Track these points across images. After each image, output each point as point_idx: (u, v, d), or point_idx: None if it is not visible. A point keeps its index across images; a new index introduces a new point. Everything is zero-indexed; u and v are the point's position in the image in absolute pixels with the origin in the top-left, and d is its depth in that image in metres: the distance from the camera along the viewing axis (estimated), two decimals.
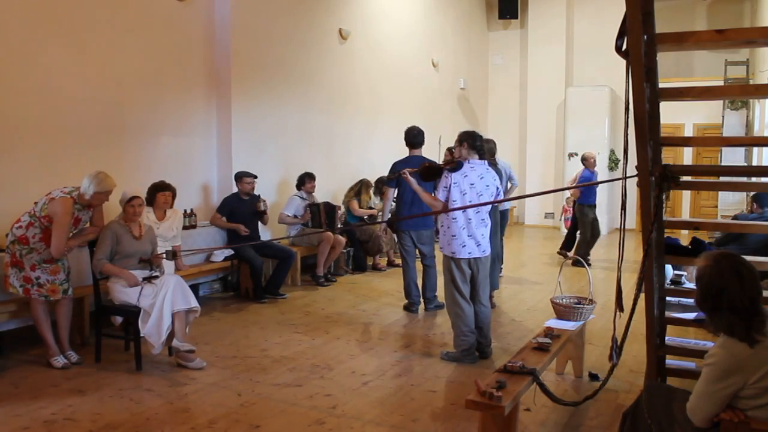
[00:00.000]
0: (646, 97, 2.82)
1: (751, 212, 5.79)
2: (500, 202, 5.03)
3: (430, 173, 4.78)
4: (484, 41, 14.55)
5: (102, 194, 4.42)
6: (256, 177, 6.83)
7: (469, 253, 4.58)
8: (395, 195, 6.48)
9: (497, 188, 4.73)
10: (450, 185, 4.55)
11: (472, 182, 4.57)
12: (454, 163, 4.60)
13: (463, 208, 4.50)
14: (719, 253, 2.47)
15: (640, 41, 2.65)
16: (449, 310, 4.72)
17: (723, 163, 10.88)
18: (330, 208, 7.69)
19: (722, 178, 4.03)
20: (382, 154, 10.06)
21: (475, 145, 4.67)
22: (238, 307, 6.35)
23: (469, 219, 4.57)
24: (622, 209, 3.36)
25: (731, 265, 2.35)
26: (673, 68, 12.18)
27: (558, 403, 3.30)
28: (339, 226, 7.79)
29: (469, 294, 4.67)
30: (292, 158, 8.10)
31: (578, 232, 9.05)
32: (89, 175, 4.40)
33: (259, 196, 6.88)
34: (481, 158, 4.71)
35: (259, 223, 6.93)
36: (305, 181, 7.59)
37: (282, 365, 4.56)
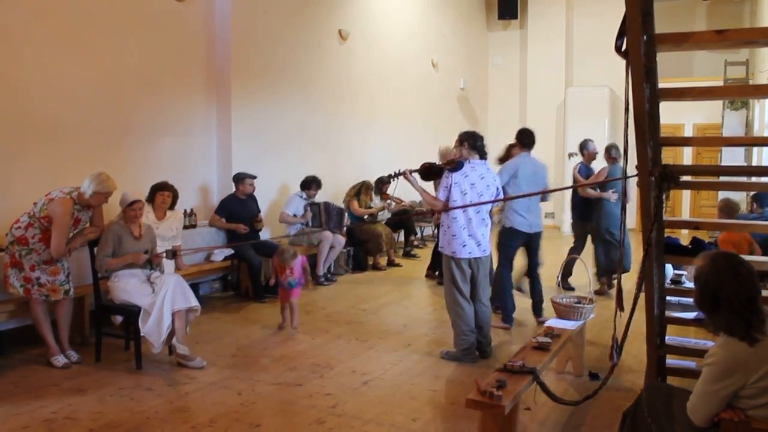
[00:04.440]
0: (646, 97, 2.83)
1: (751, 212, 5.79)
2: (500, 201, 5.03)
3: (431, 173, 4.79)
4: (484, 41, 14.55)
5: (101, 195, 4.42)
6: (255, 177, 6.83)
7: (470, 252, 4.59)
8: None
9: (497, 188, 4.74)
10: (451, 185, 4.55)
11: (473, 182, 4.58)
12: (454, 163, 4.61)
13: (464, 207, 4.51)
14: (716, 253, 2.47)
15: (639, 41, 2.65)
16: (449, 310, 4.73)
17: (723, 163, 10.88)
18: (336, 211, 7.69)
19: (722, 178, 4.03)
20: (382, 154, 10.08)
21: (475, 145, 4.68)
22: (238, 307, 6.36)
23: (470, 219, 4.57)
24: (622, 209, 3.37)
25: (728, 264, 2.35)
26: (673, 68, 12.17)
27: (558, 402, 3.31)
28: (345, 227, 7.80)
29: (469, 293, 4.67)
30: (291, 158, 8.10)
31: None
32: (91, 174, 4.40)
33: (259, 212, 6.91)
34: (481, 158, 4.72)
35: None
36: (311, 186, 7.56)
37: (282, 365, 4.57)
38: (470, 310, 4.63)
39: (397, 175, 4.83)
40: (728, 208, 5.41)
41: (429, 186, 5.44)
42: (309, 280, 5.77)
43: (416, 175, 4.82)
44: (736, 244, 4.98)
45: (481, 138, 4.77)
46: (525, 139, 5.82)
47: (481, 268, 4.69)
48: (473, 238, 4.59)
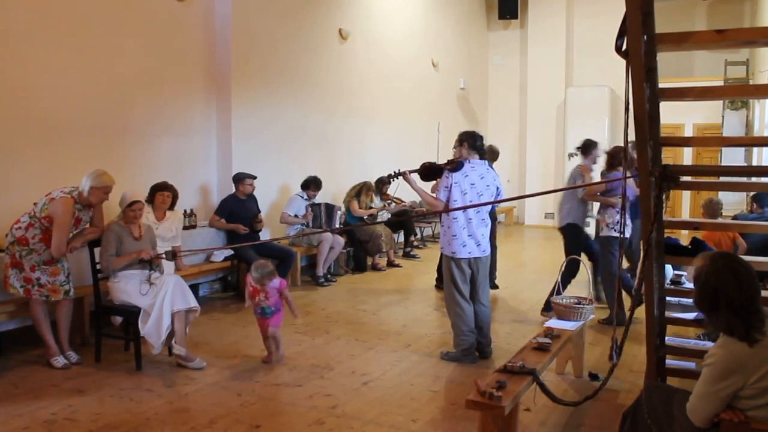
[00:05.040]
0: (646, 97, 2.82)
1: (751, 212, 5.80)
2: (501, 201, 5.03)
3: (431, 173, 4.78)
4: (484, 41, 14.55)
5: (99, 190, 4.40)
6: (255, 177, 6.83)
7: (469, 252, 4.59)
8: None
9: (497, 188, 4.74)
10: (451, 185, 4.55)
11: (473, 182, 4.58)
12: (454, 163, 4.61)
13: (464, 208, 4.51)
14: (715, 253, 2.47)
15: (640, 41, 2.65)
16: (449, 310, 4.73)
17: (723, 163, 10.88)
18: (329, 208, 7.71)
19: (722, 178, 4.03)
20: (382, 154, 10.08)
21: (475, 145, 4.68)
22: (237, 307, 6.35)
23: (470, 219, 4.57)
24: (621, 209, 3.37)
25: (727, 264, 2.35)
26: (673, 68, 12.17)
27: (558, 403, 3.30)
28: (338, 225, 7.81)
29: (469, 294, 4.67)
30: (291, 158, 8.10)
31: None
32: (87, 173, 4.40)
33: (259, 212, 6.91)
34: (481, 158, 4.72)
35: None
36: (311, 187, 7.57)
37: (282, 365, 4.56)
38: (470, 311, 4.63)
39: (396, 175, 4.83)
40: (709, 208, 5.66)
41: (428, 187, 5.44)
42: (291, 307, 4.70)
43: (415, 176, 4.81)
44: (717, 242, 5.18)
45: (481, 138, 4.77)
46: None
47: (481, 268, 4.69)
48: (473, 238, 4.59)
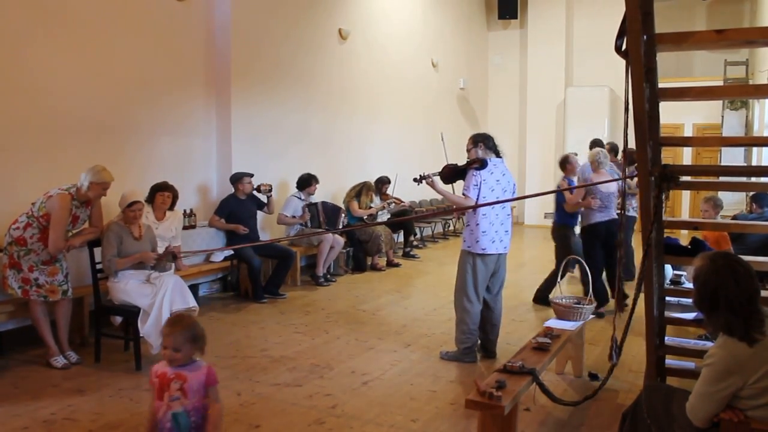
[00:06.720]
0: (645, 97, 2.82)
1: (751, 212, 5.79)
2: (509, 201, 5.03)
3: (453, 175, 4.79)
4: (484, 41, 14.55)
5: (98, 185, 4.39)
6: (253, 175, 6.83)
7: (497, 249, 4.63)
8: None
9: (514, 185, 4.85)
10: (480, 183, 4.58)
11: (498, 179, 4.66)
12: (479, 162, 4.63)
13: (477, 207, 4.53)
14: (715, 253, 2.48)
15: (639, 41, 2.65)
16: (458, 305, 4.70)
17: (722, 163, 10.88)
18: (331, 209, 7.70)
19: (722, 178, 4.03)
20: (382, 154, 10.08)
21: (489, 145, 4.74)
22: (237, 307, 6.35)
23: (497, 214, 4.64)
24: (621, 209, 3.37)
25: (727, 263, 2.35)
26: (673, 68, 12.18)
27: (558, 402, 3.30)
28: (340, 226, 7.81)
29: (489, 290, 4.72)
30: (291, 158, 8.09)
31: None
32: (86, 169, 4.41)
33: (259, 186, 6.88)
34: (497, 156, 4.76)
35: (258, 222, 6.94)
36: (311, 182, 7.57)
37: (282, 365, 4.56)
38: (478, 309, 4.65)
39: (422, 179, 4.84)
40: (712, 201, 5.56)
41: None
42: (215, 424, 2.57)
43: (437, 179, 4.82)
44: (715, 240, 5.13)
45: (493, 138, 4.83)
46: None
47: (502, 264, 4.76)
48: (498, 235, 4.65)
